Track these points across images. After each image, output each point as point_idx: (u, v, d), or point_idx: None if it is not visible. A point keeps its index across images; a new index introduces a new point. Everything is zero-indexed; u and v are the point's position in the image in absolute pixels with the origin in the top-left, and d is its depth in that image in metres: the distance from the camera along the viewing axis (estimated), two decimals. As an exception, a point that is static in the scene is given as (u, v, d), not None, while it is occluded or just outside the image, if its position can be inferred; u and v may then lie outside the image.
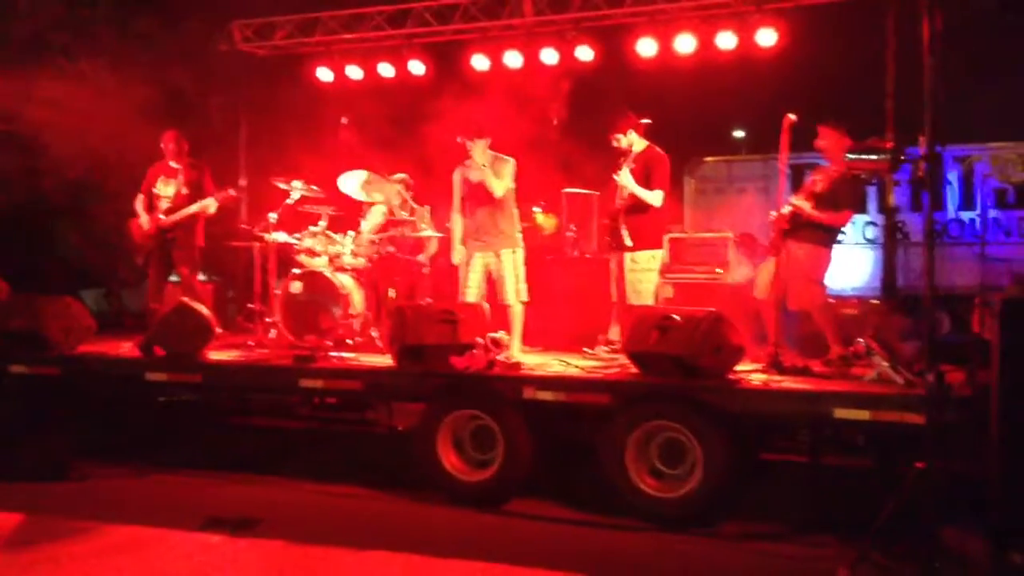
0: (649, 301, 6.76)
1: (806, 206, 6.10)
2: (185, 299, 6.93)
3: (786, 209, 6.16)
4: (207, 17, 10.53)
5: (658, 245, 6.96)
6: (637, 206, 6.72)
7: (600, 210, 8.19)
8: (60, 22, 11.64)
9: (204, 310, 6.84)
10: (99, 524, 5.25)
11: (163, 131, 7.95)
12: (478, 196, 6.92)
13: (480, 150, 6.78)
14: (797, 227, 6.15)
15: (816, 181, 6.25)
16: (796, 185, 7.50)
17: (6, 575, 4.45)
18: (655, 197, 6.65)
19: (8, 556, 4.77)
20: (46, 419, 6.82)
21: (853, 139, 5.93)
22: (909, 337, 5.71)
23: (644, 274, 6.78)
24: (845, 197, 6.16)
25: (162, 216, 7.69)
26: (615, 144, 6.82)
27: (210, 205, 7.72)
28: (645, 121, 6.83)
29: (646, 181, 6.63)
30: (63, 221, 12.39)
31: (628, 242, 6.74)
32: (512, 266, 6.88)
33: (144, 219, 7.74)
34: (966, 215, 9.92)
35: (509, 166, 6.88)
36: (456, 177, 7.08)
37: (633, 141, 6.81)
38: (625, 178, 6.63)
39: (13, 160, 11.00)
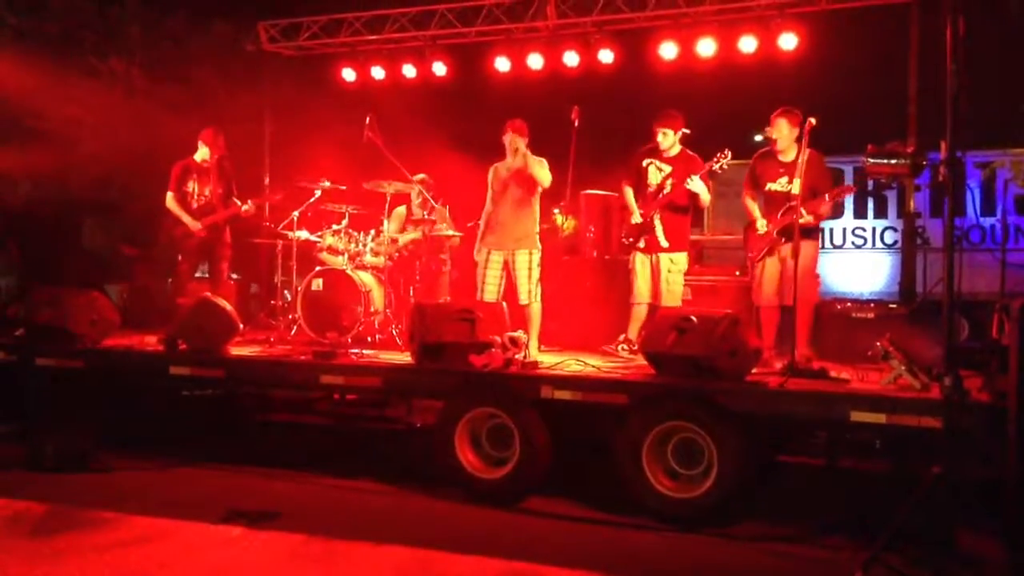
0: (679, 303, 6.88)
1: (826, 209, 6.14)
2: (208, 295, 7.00)
3: (805, 219, 6.17)
4: (234, 17, 10.66)
5: (688, 247, 7.10)
6: (675, 208, 6.84)
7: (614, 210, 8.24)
8: (90, 22, 11.83)
9: (227, 306, 6.91)
10: (121, 515, 5.30)
11: (196, 129, 8.06)
12: (504, 194, 7.02)
13: (520, 144, 6.93)
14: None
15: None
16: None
17: (31, 564, 4.52)
18: (707, 199, 6.97)
19: (32, 545, 4.84)
20: (70, 411, 6.94)
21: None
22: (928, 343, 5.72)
23: (679, 275, 6.92)
24: (824, 183, 6.35)
25: (196, 219, 7.80)
26: (659, 139, 6.93)
27: (251, 208, 7.94)
28: (686, 131, 7.06)
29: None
30: (90, 216, 12.56)
31: (664, 243, 6.84)
32: (527, 267, 6.95)
33: (190, 220, 7.83)
34: (987, 221, 9.88)
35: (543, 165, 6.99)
36: (490, 174, 7.20)
37: (673, 143, 6.94)
38: (697, 184, 6.77)
39: (43, 157, 11.17)
